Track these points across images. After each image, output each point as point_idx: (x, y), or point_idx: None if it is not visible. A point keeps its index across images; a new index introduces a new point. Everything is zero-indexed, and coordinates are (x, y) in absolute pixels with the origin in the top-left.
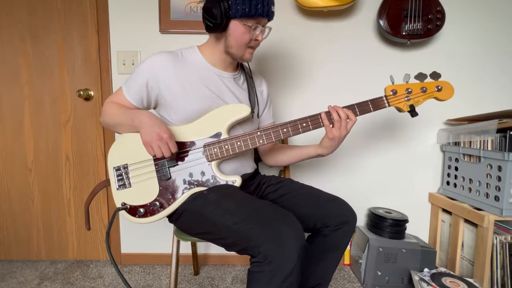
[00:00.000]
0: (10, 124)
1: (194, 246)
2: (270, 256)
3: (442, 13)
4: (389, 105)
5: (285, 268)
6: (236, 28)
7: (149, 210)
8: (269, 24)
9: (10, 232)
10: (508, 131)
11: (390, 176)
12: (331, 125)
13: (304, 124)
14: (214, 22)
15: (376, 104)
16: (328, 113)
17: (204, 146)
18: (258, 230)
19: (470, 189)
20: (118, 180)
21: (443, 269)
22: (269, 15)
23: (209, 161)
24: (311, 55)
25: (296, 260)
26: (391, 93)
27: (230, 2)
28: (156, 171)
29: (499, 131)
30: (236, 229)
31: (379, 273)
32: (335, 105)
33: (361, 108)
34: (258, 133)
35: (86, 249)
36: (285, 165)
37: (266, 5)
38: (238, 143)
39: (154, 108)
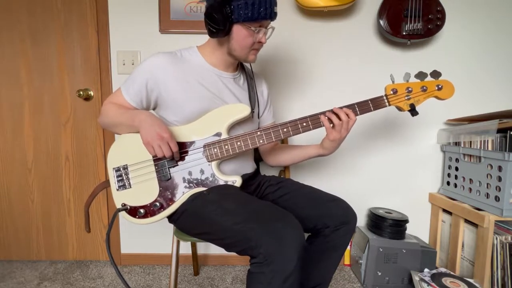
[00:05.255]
0: (10, 124)
1: (194, 246)
2: (270, 256)
3: (442, 13)
4: (389, 104)
5: (285, 268)
6: (239, 32)
7: (149, 210)
8: (271, 23)
9: (9, 232)
10: (508, 131)
11: (390, 176)
12: (331, 125)
13: (304, 124)
14: (217, 27)
15: (376, 103)
16: (328, 115)
17: (204, 146)
18: (258, 231)
19: (470, 189)
20: (118, 181)
21: (443, 270)
22: (272, 17)
23: (209, 161)
24: (311, 55)
25: (296, 260)
26: (392, 92)
27: (232, 6)
28: (156, 172)
29: (499, 131)
30: (236, 229)
31: (379, 274)
32: (334, 108)
33: (362, 107)
34: (258, 133)
35: (86, 250)
36: (286, 165)
37: (269, 7)
38: (238, 143)
39: (154, 109)
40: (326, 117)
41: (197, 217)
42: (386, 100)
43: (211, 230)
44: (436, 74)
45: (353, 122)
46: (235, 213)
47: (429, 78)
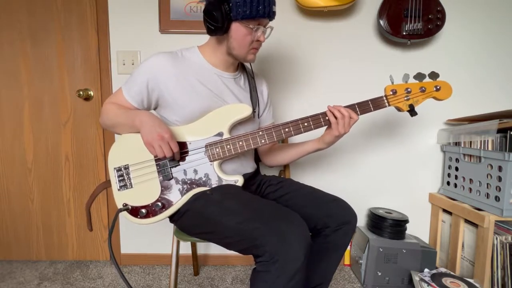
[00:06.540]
0: (10, 124)
1: (194, 246)
2: (276, 255)
3: (442, 13)
4: (389, 105)
5: (291, 267)
6: (238, 30)
7: (151, 210)
8: (270, 23)
9: (9, 233)
10: (508, 131)
11: (391, 176)
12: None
13: (306, 124)
14: (215, 25)
15: (376, 103)
16: (332, 109)
17: (206, 146)
18: (263, 229)
19: (470, 189)
20: (119, 181)
21: (443, 270)
22: (271, 16)
23: (211, 161)
24: (311, 55)
25: (303, 259)
26: (391, 93)
27: (231, 4)
28: (158, 172)
29: (499, 131)
30: (240, 228)
31: (379, 274)
32: (335, 105)
33: (362, 107)
34: (260, 132)
35: (86, 250)
36: (284, 164)
37: (268, 5)
38: (240, 143)
39: (155, 109)
40: (331, 112)
41: (200, 217)
42: (385, 101)
43: (215, 229)
44: (434, 75)
45: (354, 121)
46: (238, 212)
47: (427, 79)
